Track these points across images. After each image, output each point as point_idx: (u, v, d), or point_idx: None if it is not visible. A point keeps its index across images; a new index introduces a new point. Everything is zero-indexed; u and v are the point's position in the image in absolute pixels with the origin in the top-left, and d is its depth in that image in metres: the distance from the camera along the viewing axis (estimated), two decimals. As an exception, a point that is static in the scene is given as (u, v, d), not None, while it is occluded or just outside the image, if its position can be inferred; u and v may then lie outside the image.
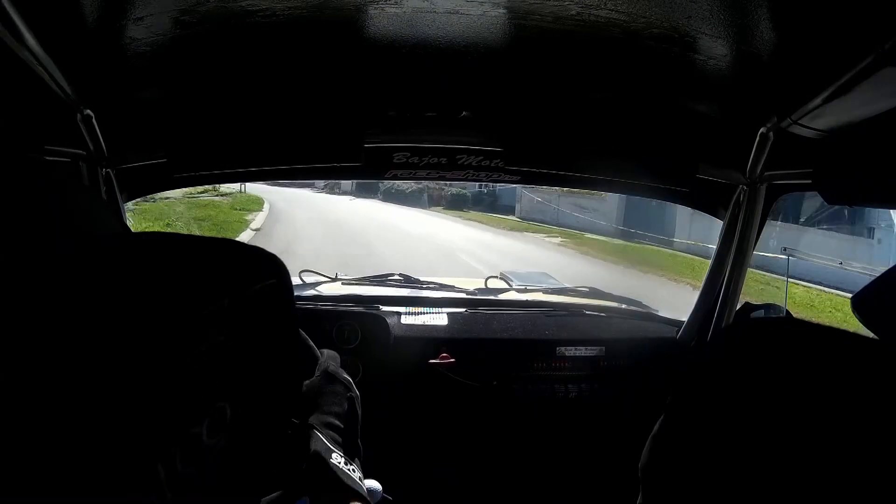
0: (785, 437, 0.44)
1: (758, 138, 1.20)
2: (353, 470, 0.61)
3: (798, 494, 0.43)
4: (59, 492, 0.34)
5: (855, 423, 0.42)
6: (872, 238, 8.28)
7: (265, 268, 0.48)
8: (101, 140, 1.20)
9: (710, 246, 2.44)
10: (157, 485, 0.37)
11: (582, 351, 1.57)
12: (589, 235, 11.73)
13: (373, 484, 1.25)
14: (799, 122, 0.97)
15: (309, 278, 1.81)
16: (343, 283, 1.81)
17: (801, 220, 7.87)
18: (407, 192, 17.08)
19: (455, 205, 16.74)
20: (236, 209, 11.94)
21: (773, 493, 0.44)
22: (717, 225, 1.51)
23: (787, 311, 1.39)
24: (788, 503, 0.44)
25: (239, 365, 0.45)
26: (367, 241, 9.48)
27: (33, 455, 0.34)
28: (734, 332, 0.65)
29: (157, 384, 0.38)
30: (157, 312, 0.40)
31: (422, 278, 1.85)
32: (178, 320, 0.40)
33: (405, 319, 1.60)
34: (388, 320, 1.54)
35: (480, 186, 15.66)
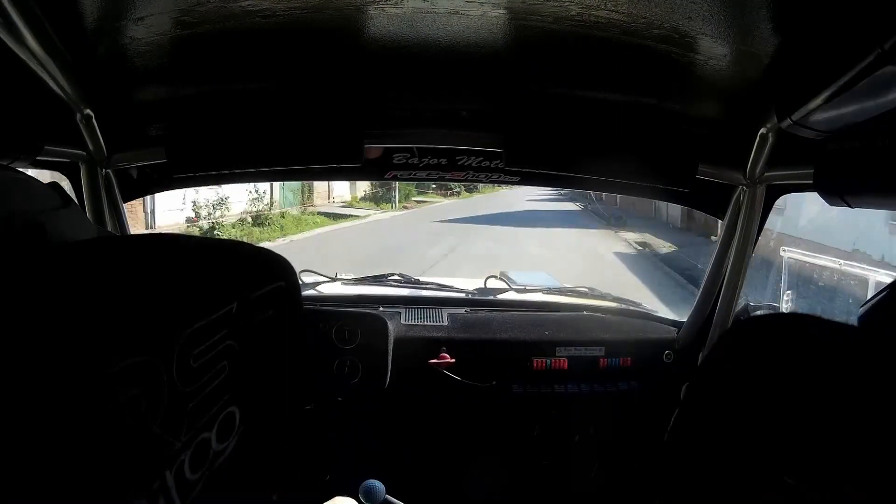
0: (794, 430, 0.44)
1: (758, 138, 1.20)
2: None
3: (807, 485, 0.43)
4: (64, 499, 0.34)
5: (859, 413, 0.42)
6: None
7: (273, 271, 0.48)
8: (101, 140, 1.20)
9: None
10: (166, 492, 0.37)
11: (581, 351, 1.57)
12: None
13: (375, 483, 1.26)
14: (799, 122, 0.96)
15: (308, 278, 1.81)
16: (343, 283, 1.81)
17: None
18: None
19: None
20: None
21: (782, 484, 0.44)
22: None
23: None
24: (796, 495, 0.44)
25: (247, 369, 0.44)
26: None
27: (39, 463, 0.34)
28: (740, 328, 0.65)
29: (164, 390, 0.38)
30: (165, 317, 0.39)
31: (421, 278, 1.85)
32: (185, 325, 0.40)
33: (405, 319, 1.60)
34: (388, 320, 1.54)
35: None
